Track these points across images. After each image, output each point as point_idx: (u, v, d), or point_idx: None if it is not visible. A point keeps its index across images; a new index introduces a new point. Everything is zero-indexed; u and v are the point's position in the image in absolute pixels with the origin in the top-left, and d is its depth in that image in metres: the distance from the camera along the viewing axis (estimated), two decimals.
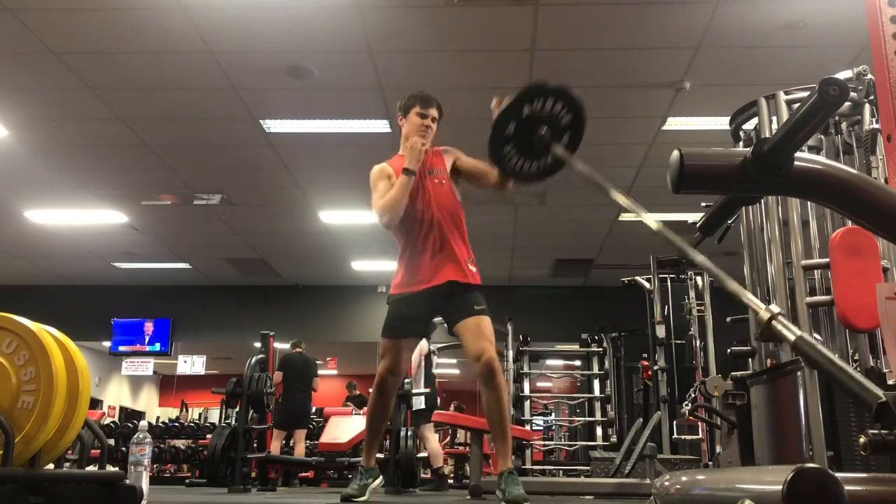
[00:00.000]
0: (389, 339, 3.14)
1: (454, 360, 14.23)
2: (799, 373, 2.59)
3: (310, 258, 9.55)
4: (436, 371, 7.68)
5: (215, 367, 13.91)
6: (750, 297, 1.23)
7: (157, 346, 10.90)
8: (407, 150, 3.05)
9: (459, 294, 3.03)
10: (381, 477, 3.25)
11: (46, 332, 1.99)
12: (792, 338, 1.08)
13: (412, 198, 3.06)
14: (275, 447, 7.21)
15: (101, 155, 6.52)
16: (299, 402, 7.70)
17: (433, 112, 3.16)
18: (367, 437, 3.28)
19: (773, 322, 1.12)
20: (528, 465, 7.32)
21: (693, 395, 5.31)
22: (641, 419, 5.12)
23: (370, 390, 3.27)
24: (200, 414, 15.81)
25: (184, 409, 13.56)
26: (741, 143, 3.39)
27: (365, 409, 3.48)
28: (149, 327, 10.90)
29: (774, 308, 1.15)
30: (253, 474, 6.04)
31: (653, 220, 1.39)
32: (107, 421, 10.63)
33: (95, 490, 2.06)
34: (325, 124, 5.90)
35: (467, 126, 5.95)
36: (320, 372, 8.48)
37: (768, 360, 3.01)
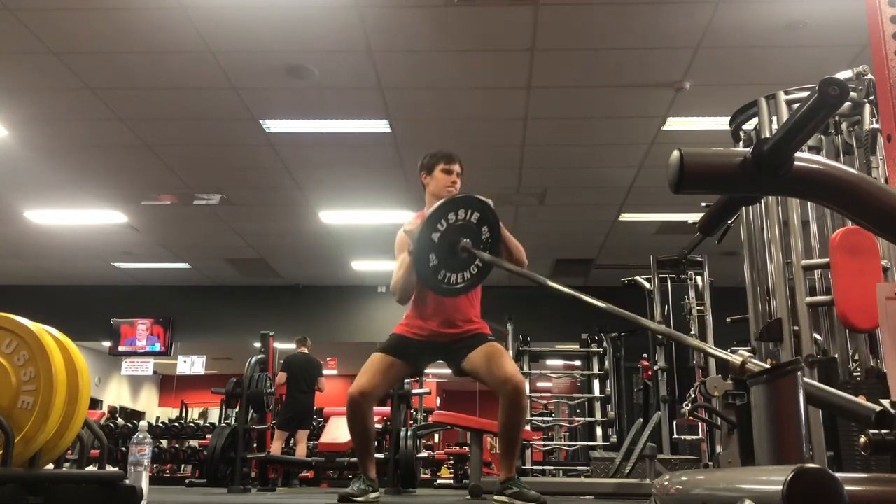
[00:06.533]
0: (387, 354, 3.03)
1: None
2: (799, 373, 2.59)
3: (310, 258, 9.55)
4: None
5: (215, 367, 13.91)
6: (715, 351, 1.32)
7: (157, 346, 10.91)
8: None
9: (467, 336, 3.04)
10: (379, 492, 3.09)
11: (46, 332, 1.99)
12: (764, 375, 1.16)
13: None
14: (277, 447, 7.21)
15: (100, 155, 6.52)
16: (303, 403, 7.70)
17: (457, 167, 3.15)
18: (359, 455, 3.12)
19: (747, 365, 1.22)
20: (528, 466, 7.32)
21: (693, 395, 5.31)
22: (641, 419, 5.12)
23: None
24: (201, 413, 15.79)
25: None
26: (741, 143, 3.40)
27: None
28: (148, 327, 10.90)
29: (744, 352, 1.26)
30: (253, 474, 6.04)
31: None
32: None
33: (95, 490, 2.05)
34: (325, 124, 5.90)
35: (467, 126, 6.00)
36: None
37: (768, 360, 3.01)
